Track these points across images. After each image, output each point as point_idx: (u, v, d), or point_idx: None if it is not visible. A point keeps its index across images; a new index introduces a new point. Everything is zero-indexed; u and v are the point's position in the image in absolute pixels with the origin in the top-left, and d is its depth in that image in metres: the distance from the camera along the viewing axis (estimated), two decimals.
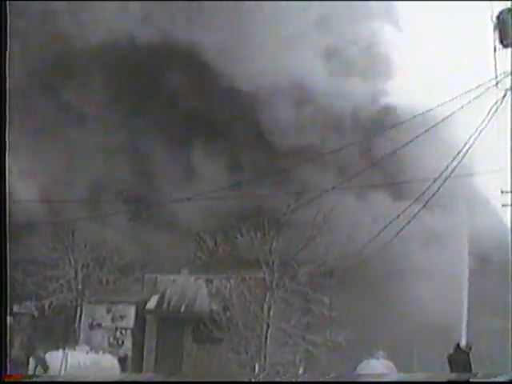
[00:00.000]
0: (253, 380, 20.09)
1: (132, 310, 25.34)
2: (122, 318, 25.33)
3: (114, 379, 19.41)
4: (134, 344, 25.13)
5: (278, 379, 19.98)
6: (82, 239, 24.01)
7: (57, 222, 23.68)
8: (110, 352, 23.77)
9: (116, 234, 24.88)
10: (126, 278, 24.91)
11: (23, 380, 7.97)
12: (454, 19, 29.46)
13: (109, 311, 25.38)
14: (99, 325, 25.28)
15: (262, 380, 18.74)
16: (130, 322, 25.29)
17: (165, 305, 25.43)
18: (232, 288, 23.93)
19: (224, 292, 24.26)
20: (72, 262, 24.20)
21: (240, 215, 24.23)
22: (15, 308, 24.70)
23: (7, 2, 7.36)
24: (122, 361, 23.87)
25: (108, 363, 22.46)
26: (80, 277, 24.43)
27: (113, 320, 25.36)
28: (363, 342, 20.86)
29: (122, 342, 25.12)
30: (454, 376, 14.15)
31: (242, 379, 20.98)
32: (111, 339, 25.17)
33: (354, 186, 20.58)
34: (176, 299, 25.50)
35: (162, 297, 25.60)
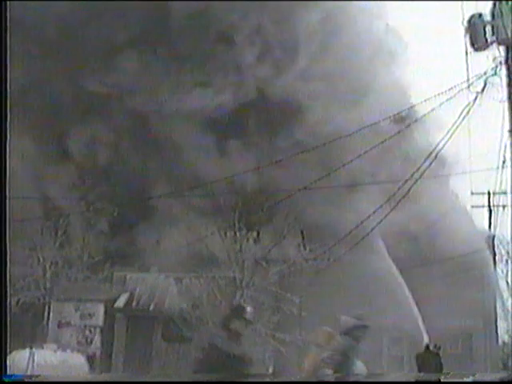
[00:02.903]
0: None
1: (101, 309, 25.12)
2: (90, 316, 25.05)
3: (83, 378, 19.10)
4: (102, 342, 24.92)
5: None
6: (51, 237, 23.78)
7: (25, 219, 23.36)
8: (79, 350, 23.38)
9: (86, 232, 24.64)
10: (95, 276, 24.71)
11: (23, 380, 7.87)
12: (427, 22, 29.81)
13: (77, 309, 25.09)
14: (68, 323, 24.99)
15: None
16: (98, 320, 25.08)
17: (134, 303, 25.28)
18: (202, 287, 23.85)
19: (194, 290, 24.17)
20: (41, 259, 23.97)
21: (211, 213, 24.20)
22: None
23: (7, 2, 7.24)
24: (91, 359, 23.62)
25: (76, 362, 22.05)
26: (48, 275, 24.19)
27: (81, 318, 25.09)
28: None
29: (91, 341, 24.87)
30: (424, 376, 14.29)
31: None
32: (80, 337, 24.90)
33: (326, 186, 20.64)
34: (145, 297, 25.37)
35: (132, 295, 25.45)
